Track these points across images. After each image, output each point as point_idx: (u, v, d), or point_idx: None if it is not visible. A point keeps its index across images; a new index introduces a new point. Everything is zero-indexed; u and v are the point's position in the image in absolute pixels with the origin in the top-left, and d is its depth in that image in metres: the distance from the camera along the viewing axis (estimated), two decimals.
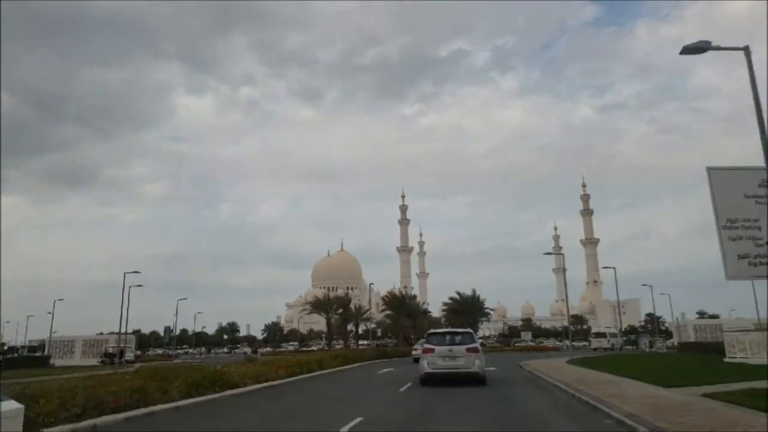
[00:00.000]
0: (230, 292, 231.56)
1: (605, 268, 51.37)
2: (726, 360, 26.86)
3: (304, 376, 24.58)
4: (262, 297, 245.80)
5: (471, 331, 20.55)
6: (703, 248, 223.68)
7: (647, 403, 11.97)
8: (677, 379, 16.91)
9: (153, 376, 16.07)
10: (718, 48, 14.63)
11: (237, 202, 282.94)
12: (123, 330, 54.30)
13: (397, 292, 72.50)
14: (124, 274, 51.26)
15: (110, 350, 57.27)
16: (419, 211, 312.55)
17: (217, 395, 16.06)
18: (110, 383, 13.88)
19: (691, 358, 31.34)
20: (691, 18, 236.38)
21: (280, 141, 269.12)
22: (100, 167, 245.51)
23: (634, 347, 56.28)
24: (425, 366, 18.06)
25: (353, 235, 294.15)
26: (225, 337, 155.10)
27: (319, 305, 65.51)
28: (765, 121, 13.12)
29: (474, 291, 69.27)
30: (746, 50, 13.91)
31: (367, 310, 75.03)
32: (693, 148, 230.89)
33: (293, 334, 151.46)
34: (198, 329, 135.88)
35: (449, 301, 71.66)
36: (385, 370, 29.18)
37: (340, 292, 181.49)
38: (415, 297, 75.36)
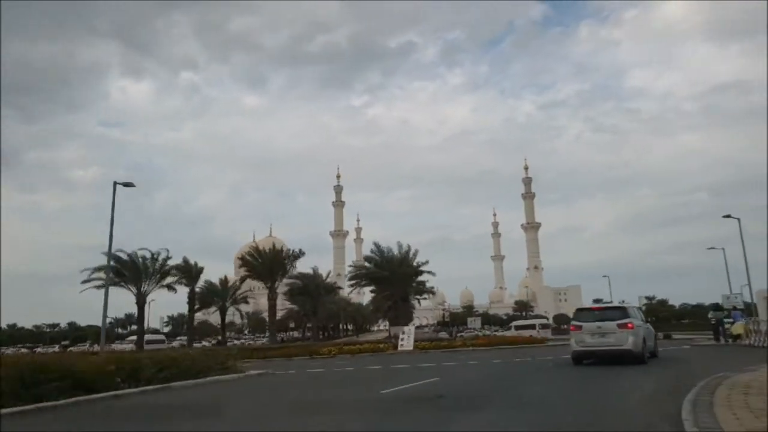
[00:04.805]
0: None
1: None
2: None
3: None
4: None
5: (624, 306, 16.61)
6: (627, 242, 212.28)
7: None
8: None
9: None
10: None
11: (175, 191, 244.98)
12: None
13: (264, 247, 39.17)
14: None
15: None
16: (362, 203, 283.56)
17: None
18: None
19: None
20: (628, 21, 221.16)
21: (222, 128, 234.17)
22: (23, 150, 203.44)
23: (728, 339, 25.93)
24: (573, 344, 15.35)
25: (295, 226, 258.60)
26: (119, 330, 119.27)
27: (119, 272, 33.18)
28: None
29: (401, 246, 37.99)
30: None
31: (237, 286, 42.86)
32: (623, 146, 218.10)
33: (206, 327, 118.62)
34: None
35: (364, 264, 39.80)
36: None
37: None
38: (296, 253, 42.00)
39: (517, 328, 48.84)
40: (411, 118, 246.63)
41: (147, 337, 39.56)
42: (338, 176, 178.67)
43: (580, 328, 15.28)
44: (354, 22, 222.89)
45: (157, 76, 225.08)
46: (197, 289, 45.16)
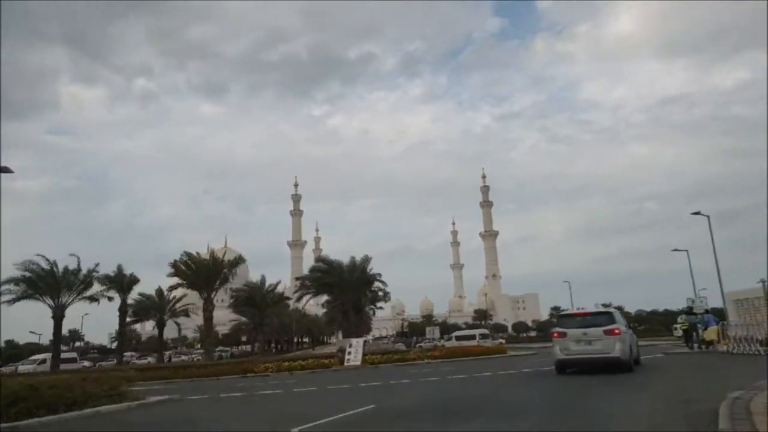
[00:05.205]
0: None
1: None
2: None
3: None
4: None
5: (610, 311, 15.51)
6: (582, 250, 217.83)
7: None
8: None
9: None
10: None
11: (130, 202, 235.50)
12: None
13: (205, 256, 36.10)
14: None
15: None
16: (323, 213, 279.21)
17: None
18: None
19: None
20: (581, 35, 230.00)
21: (180, 137, 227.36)
22: None
23: (701, 345, 23.96)
24: (557, 352, 14.31)
25: (254, 237, 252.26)
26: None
27: (33, 282, 29.37)
28: None
29: (354, 257, 35.70)
30: None
31: (174, 294, 39.32)
32: (577, 156, 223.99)
33: (155, 343, 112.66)
34: None
35: (314, 273, 37.13)
36: None
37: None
38: (236, 259, 36.76)
39: (458, 338, 48.57)
40: (371, 128, 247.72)
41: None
42: (296, 185, 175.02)
43: (564, 335, 14.33)
44: (314, 32, 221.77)
45: (110, 82, 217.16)
46: (132, 301, 41.39)
